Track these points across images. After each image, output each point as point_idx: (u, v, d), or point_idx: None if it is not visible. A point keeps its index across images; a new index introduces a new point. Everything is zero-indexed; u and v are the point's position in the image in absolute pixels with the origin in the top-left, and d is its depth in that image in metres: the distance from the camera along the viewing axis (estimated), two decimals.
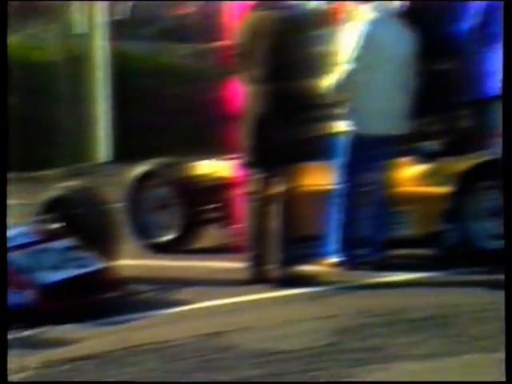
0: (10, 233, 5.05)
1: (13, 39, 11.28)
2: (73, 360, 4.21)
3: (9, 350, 4.36)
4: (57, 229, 5.30)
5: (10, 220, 5.36)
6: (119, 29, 10.45)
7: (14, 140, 9.91)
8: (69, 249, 5.09)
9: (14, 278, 4.83)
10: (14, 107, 9.80)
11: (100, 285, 5.02)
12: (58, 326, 4.67)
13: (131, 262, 5.64)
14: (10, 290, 4.78)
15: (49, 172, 8.94)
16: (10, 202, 8.15)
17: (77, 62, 9.89)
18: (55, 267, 4.96)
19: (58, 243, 5.10)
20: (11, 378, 3.78)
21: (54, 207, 5.52)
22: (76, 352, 4.32)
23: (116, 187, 6.58)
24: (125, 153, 9.24)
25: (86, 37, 10.08)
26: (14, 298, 4.79)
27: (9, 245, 4.94)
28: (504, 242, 3.36)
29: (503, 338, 3.22)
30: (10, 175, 9.62)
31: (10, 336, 4.58)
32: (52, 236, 5.17)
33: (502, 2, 3.75)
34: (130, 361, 4.19)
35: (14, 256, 4.91)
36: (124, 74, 9.87)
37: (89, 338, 4.52)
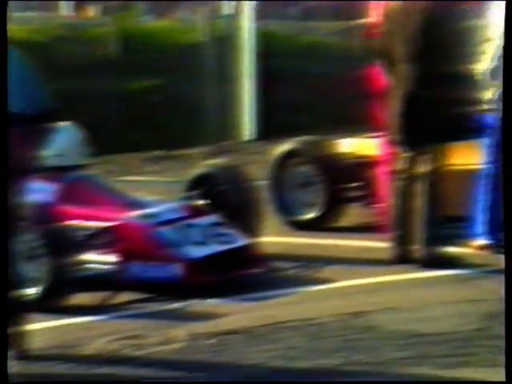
0: (157, 209, 5.19)
1: (163, 23, 11.55)
2: (218, 334, 4.26)
3: (155, 322, 4.49)
4: (202, 205, 5.38)
5: (157, 196, 5.52)
6: (265, 9, 10.49)
7: (164, 119, 10.17)
8: (214, 225, 5.16)
9: (161, 253, 4.95)
10: (164, 88, 10.05)
11: (243, 261, 5.07)
12: (202, 300, 4.75)
13: (274, 239, 5.67)
14: (156, 263, 4.93)
15: (195, 150, 9.11)
16: (158, 179, 8.34)
17: (224, 43, 10.01)
18: (200, 243, 5.04)
19: (204, 219, 5.17)
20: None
21: (200, 184, 5.61)
22: (220, 327, 4.38)
23: (260, 165, 6.63)
24: (269, 131, 9.30)
25: (233, 18, 10.18)
26: (161, 271, 4.91)
27: (157, 220, 5.08)
28: (504, 240, 3.29)
29: None
30: (159, 153, 9.85)
31: (157, 308, 4.72)
32: (198, 212, 5.25)
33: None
34: (273, 337, 4.22)
35: (161, 231, 5.03)
36: (269, 54, 9.91)
37: (232, 314, 4.57)
